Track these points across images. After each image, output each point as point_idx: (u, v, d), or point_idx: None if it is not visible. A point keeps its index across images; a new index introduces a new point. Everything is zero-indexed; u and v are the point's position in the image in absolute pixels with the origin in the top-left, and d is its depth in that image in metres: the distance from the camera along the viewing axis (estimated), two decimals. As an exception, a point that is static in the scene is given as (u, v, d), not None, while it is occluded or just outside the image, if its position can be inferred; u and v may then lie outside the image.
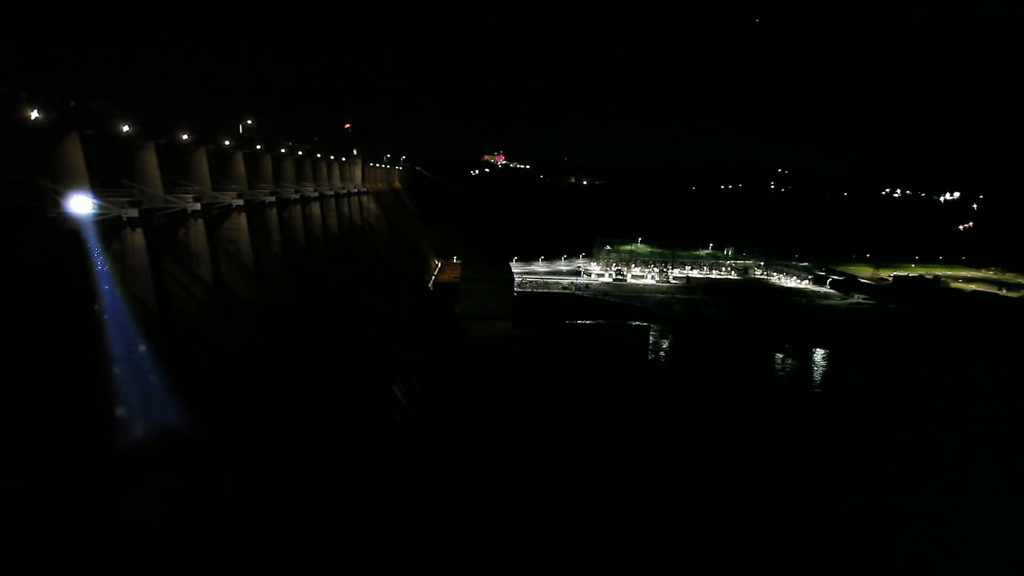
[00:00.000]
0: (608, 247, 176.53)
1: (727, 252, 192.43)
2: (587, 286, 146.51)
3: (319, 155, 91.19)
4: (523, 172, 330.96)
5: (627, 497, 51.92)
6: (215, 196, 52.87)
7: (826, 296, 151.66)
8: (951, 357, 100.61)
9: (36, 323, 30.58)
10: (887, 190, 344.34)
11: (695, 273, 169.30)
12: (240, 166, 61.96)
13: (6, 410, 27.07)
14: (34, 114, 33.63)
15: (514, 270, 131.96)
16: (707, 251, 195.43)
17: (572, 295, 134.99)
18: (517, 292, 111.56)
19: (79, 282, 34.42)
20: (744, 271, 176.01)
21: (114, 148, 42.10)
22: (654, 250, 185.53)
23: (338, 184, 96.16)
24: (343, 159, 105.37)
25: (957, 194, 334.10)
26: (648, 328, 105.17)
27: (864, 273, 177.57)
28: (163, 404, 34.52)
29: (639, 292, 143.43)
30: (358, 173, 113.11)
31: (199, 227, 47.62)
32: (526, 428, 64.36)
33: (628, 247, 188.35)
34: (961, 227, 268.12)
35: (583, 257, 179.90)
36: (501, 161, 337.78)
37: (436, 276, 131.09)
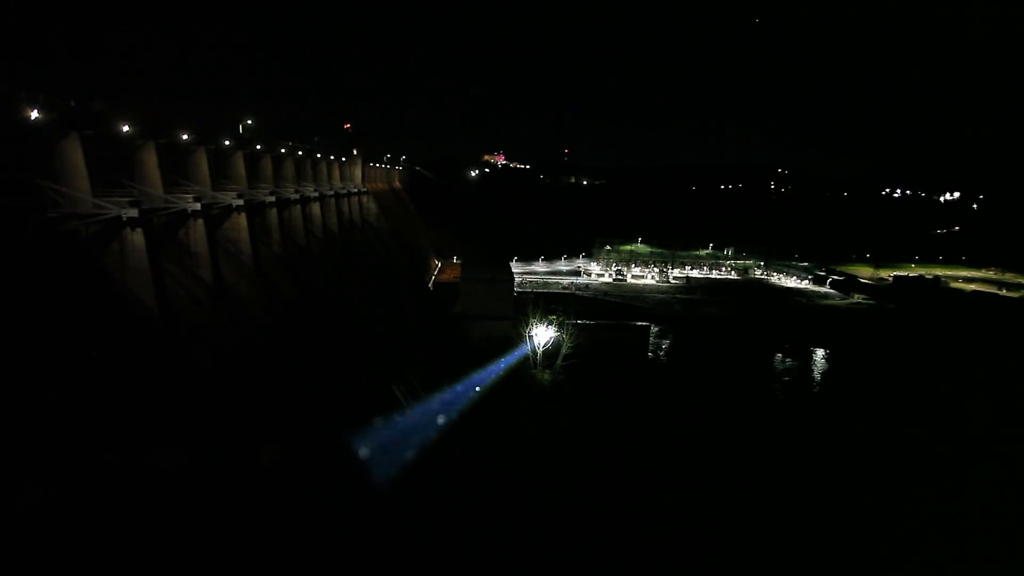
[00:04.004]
0: (608, 247, 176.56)
1: (727, 252, 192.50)
2: (587, 286, 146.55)
3: (319, 155, 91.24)
4: (523, 172, 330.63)
5: (628, 496, 51.95)
6: (215, 196, 52.92)
7: (826, 296, 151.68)
8: (951, 357, 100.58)
9: (36, 324, 30.58)
10: (887, 190, 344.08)
11: (695, 273, 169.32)
12: (240, 166, 62.02)
13: (5, 411, 27.07)
14: (34, 114, 33.68)
15: (514, 270, 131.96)
16: (707, 251, 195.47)
17: (572, 295, 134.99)
18: (517, 292, 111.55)
19: (79, 283, 34.45)
20: (744, 271, 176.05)
21: (114, 148, 42.16)
22: (654, 250, 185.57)
23: (338, 184, 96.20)
24: (343, 159, 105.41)
25: (957, 194, 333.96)
26: (648, 328, 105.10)
27: (864, 273, 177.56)
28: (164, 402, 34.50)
29: (639, 292, 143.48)
30: (358, 173, 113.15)
31: (199, 227, 47.67)
32: (525, 427, 64.35)
33: (628, 247, 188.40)
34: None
35: (583, 257, 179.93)
36: (501, 161, 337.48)
37: (436, 276, 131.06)
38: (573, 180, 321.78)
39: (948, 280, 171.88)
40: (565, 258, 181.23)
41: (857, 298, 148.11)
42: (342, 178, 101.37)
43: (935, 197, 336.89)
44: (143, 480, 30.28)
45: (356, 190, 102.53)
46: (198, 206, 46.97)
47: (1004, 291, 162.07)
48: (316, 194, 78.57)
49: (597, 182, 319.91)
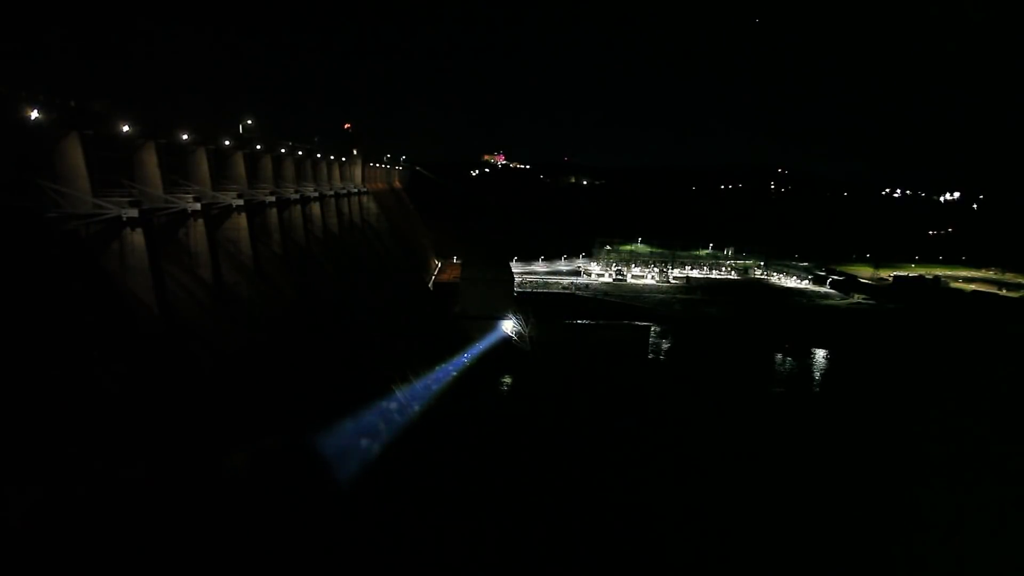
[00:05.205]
0: (608, 247, 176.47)
1: (727, 252, 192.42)
2: (587, 286, 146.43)
3: (319, 155, 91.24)
4: (523, 172, 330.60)
5: (628, 496, 51.93)
6: (215, 196, 52.92)
7: (826, 296, 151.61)
8: (951, 357, 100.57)
9: (36, 324, 30.55)
10: (887, 190, 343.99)
11: (695, 273, 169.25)
12: (240, 166, 62.02)
13: (6, 412, 27.04)
14: (34, 114, 33.65)
15: (514, 270, 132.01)
16: (707, 251, 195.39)
17: (572, 295, 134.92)
18: (517, 292, 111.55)
19: (79, 283, 34.42)
20: (744, 271, 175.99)
21: (114, 148, 42.16)
22: (654, 250, 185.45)
23: (338, 184, 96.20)
24: (343, 159, 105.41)
25: (957, 194, 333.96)
26: (648, 328, 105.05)
27: (864, 273, 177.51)
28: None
29: (639, 292, 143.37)
30: (358, 173, 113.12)
31: (199, 227, 47.67)
32: (525, 427, 64.34)
33: (628, 247, 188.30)
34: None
35: (583, 257, 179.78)
36: (501, 161, 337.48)
37: (436, 276, 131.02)
38: (573, 180, 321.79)
39: (948, 280, 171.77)
40: (565, 258, 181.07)
41: (857, 298, 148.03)
42: (342, 178, 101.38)
43: (935, 197, 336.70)
44: (137, 483, 30.31)
45: (356, 190, 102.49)
46: (198, 206, 46.97)
47: (1004, 291, 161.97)
48: (316, 194, 78.59)
49: (597, 182, 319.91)
